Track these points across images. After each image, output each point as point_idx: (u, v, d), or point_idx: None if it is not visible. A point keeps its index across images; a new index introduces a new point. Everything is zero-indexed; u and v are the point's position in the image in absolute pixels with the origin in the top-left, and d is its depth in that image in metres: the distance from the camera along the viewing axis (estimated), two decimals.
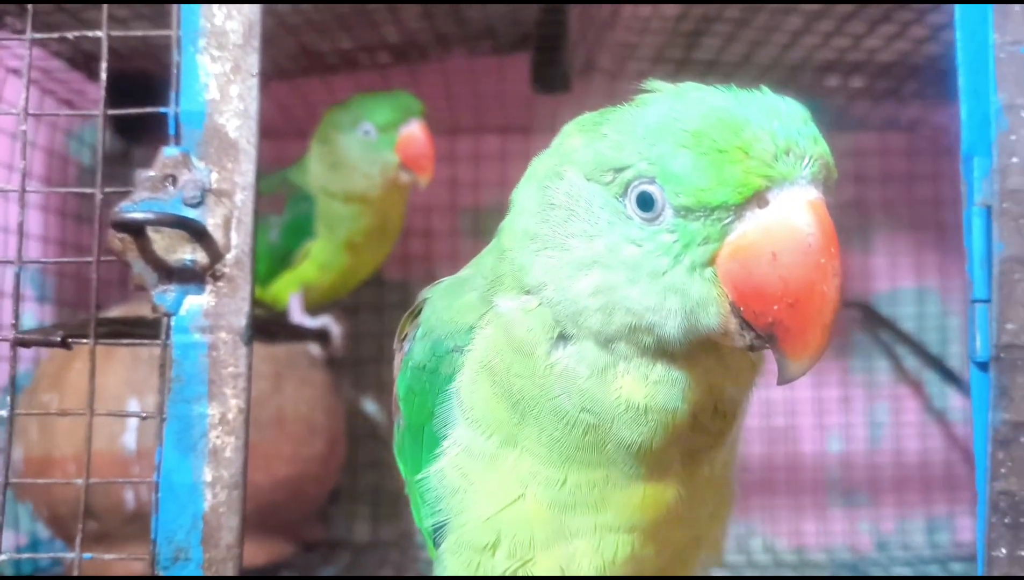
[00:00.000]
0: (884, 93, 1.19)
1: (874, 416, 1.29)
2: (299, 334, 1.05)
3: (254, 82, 0.48)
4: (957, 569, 1.14)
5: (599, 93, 1.21)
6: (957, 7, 0.48)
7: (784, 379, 0.36)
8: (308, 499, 1.06)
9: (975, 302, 0.46)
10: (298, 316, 1.08)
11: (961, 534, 1.26)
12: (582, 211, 0.39)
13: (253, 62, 0.48)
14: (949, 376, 1.21)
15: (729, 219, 0.35)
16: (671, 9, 0.95)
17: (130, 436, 0.90)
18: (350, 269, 1.10)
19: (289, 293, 1.07)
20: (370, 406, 1.10)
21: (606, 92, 1.19)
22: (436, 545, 0.47)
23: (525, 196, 0.44)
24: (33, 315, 1.18)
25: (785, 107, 0.37)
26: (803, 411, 1.26)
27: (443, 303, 0.47)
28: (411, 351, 0.48)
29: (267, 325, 0.99)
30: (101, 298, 1.22)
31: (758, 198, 0.35)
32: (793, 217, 0.34)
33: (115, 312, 0.96)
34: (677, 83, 0.39)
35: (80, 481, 0.50)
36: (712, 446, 0.41)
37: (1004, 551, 0.44)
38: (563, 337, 0.41)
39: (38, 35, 0.51)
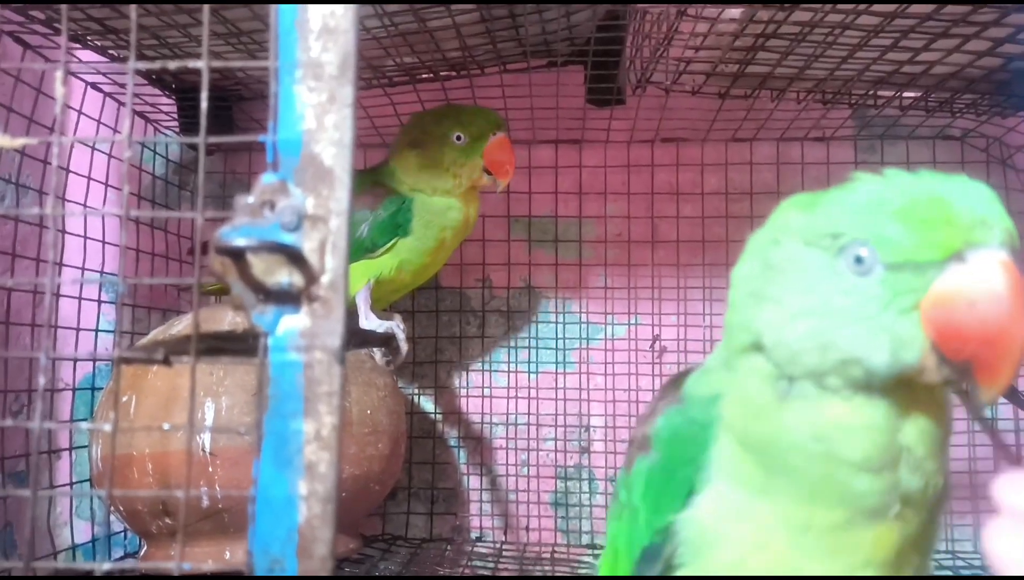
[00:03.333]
0: (938, 104, 1.18)
1: None
2: (366, 340, 1.08)
3: (349, 112, 0.50)
4: None
5: (652, 106, 1.22)
6: None
7: (976, 406, 0.44)
8: (371, 497, 1.09)
9: None
10: (365, 320, 1.13)
11: None
12: (798, 271, 0.48)
13: (348, 93, 0.50)
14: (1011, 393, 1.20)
15: (932, 273, 0.44)
16: (728, 26, 0.96)
17: (206, 436, 0.93)
18: (422, 270, 1.16)
19: (358, 283, 1.12)
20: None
21: (659, 105, 1.21)
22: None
23: (747, 268, 0.52)
24: (105, 318, 1.23)
25: (977, 189, 0.45)
26: None
27: (696, 378, 0.57)
28: (669, 417, 0.56)
29: None
30: (169, 302, 1.26)
31: (957, 257, 0.44)
32: (988, 272, 0.43)
33: (186, 322, 0.99)
34: (883, 172, 0.48)
35: (180, 493, 0.51)
36: (923, 485, 0.49)
37: None
38: (786, 381, 0.49)
39: (140, 64, 0.53)
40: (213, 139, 0.52)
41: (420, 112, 1.18)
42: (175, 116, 1.23)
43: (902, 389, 0.47)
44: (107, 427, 0.52)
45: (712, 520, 0.51)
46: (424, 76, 1.17)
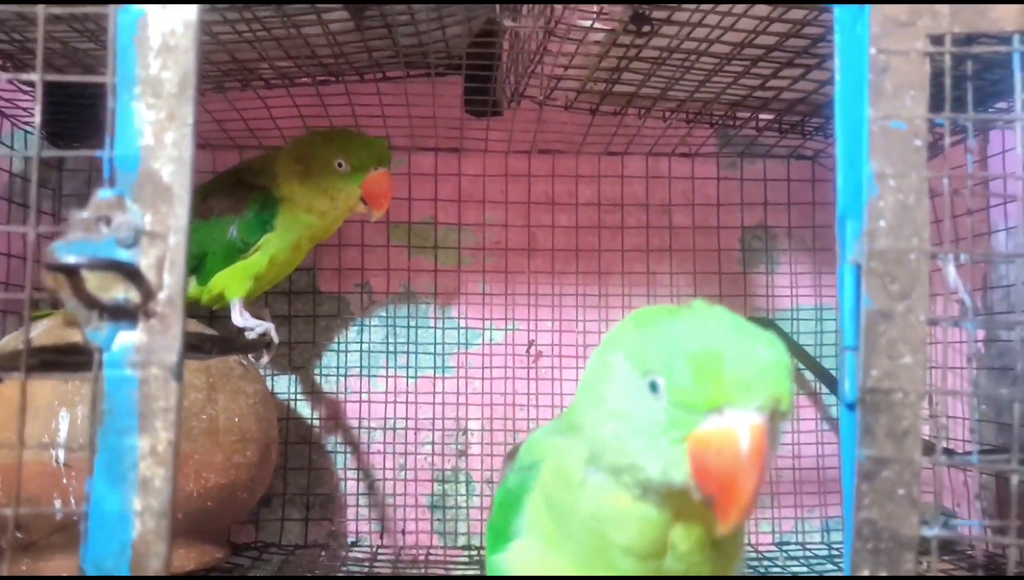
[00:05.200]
0: (790, 126, 1.27)
1: None
2: (232, 347, 1.07)
3: (188, 131, 0.50)
4: None
5: (528, 119, 1.26)
6: (837, 85, 0.54)
7: (719, 531, 0.53)
8: (239, 505, 1.08)
9: (845, 349, 0.51)
10: (239, 318, 1.14)
11: None
12: (619, 380, 0.56)
13: (188, 111, 0.50)
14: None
15: (698, 418, 0.52)
16: (593, 48, 1.00)
17: (59, 447, 0.90)
18: (286, 264, 1.20)
19: (238, 285, 1.14)
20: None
21: (534, 118, 1.25)
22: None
23: (594, 358, 0.60)
24: None
25: (758, 351, 0.52)
26: None
27: (527, 446, 0.67)
28: (507, 476, 0.68)
29: (201, 342, 1.00)
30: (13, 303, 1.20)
31: (718, 410, 0.51)
32: (736, 430, 0.50)
33: (43, 327, 0.96)
34: (710, 305, 0.57)
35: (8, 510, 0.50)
36: (684, 568, 0.58)
37: (867, 572, 0.49)
38: (591, 465, 0.58)
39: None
40: (47, 153, 0.52)
41: (315, 131, 1.20)
42: (33, 111, 1.18)
43: (677, 497, 0.54)
44: None
45: (517, 563, 0.63)
46: (301, 80, 1.17)
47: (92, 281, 0.50)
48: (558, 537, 0.60)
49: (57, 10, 0.50)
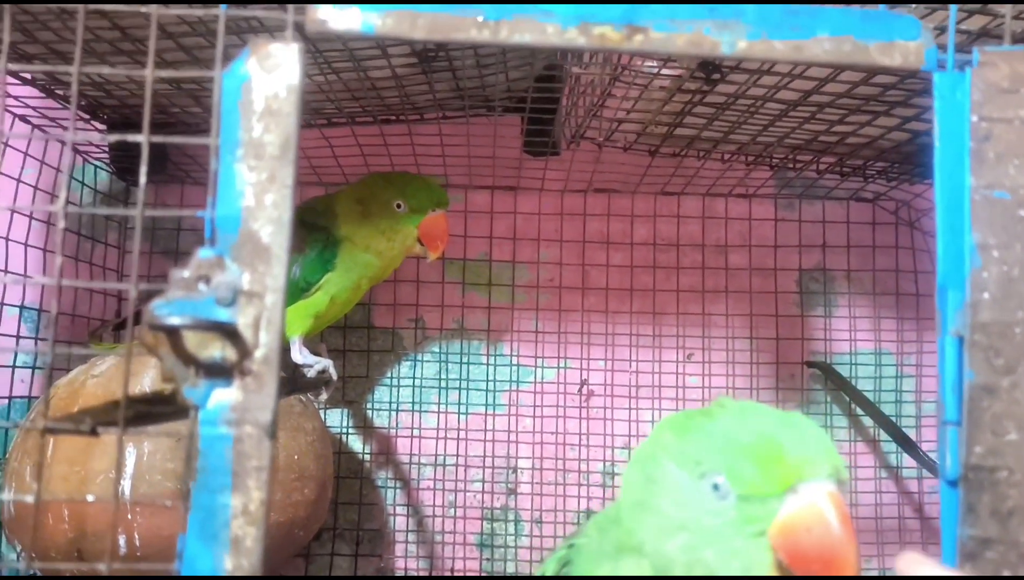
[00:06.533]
0: (852, 170, 1.25)
1: None
2: (296, 388, 1.08)
3: (288, 192, 0.51)
4: None
5: (585, 159, 1.26)
6: (936, 153, 0.53)
7: None
8: (295, 542, 1.08)
9: (946, 424, 0.50)
10: (299, 355, 1.15)
11: None
12: (672, 488, 0.56)
13: (288, 173, 0.51)
14: (901, 437, 1.27)
15: (774, 504, 0.52)
16: (658, 93, 1.00)
17: (126, 484, 0.91)
18: (346, 303, 1.21)
19: (299, 324, 1.16)
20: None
21: (592, 159, 1.25)
22: None
23: (632, 475, 0.60)
24: (29, 355, 1.19)
25: (807, 430, 0.55)
26: None
27: (582, 564, 0.63)
28: None
29: None
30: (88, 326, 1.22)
31: (792, 490, 0.52)
32: (818, 502, 0.52)
33: (109, 364, 0.97)
34: (736, 400, 0.58)
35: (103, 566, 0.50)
36: None
37: None
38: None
39: (82, 128, 0.53)
40: (150, 213, 0.53)
41: (376, 173, 1.23)
42: (105, 148, 1.21)
43: None
44: (29, 498, 0.51)
45: None
46: (363, 119, 1.18)
47: (191, 339, 0.51)
48: None
49: (165, 75, 0.51)
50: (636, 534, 0.57)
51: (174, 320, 0.48)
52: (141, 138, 0.52)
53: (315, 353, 1.18)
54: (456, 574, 1.33)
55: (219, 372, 0.51)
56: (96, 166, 1.28)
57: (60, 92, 1.04)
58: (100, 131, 1.13)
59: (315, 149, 1.24)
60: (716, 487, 0.53)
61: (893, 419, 1.29)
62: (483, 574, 1.34)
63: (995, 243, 0.50)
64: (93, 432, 0.52)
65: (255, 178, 0.51)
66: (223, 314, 0.50)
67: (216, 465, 0.50)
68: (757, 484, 0.52)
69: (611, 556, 0.62)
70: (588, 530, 0.66)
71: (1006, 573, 0.48)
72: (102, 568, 0.90)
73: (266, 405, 0.51)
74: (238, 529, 0.50)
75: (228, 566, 0.50)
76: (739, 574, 0.52)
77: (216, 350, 0.51)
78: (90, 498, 0.89)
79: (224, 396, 0.51)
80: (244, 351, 0.51)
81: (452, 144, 1.23)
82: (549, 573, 0.67)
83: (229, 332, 0.50)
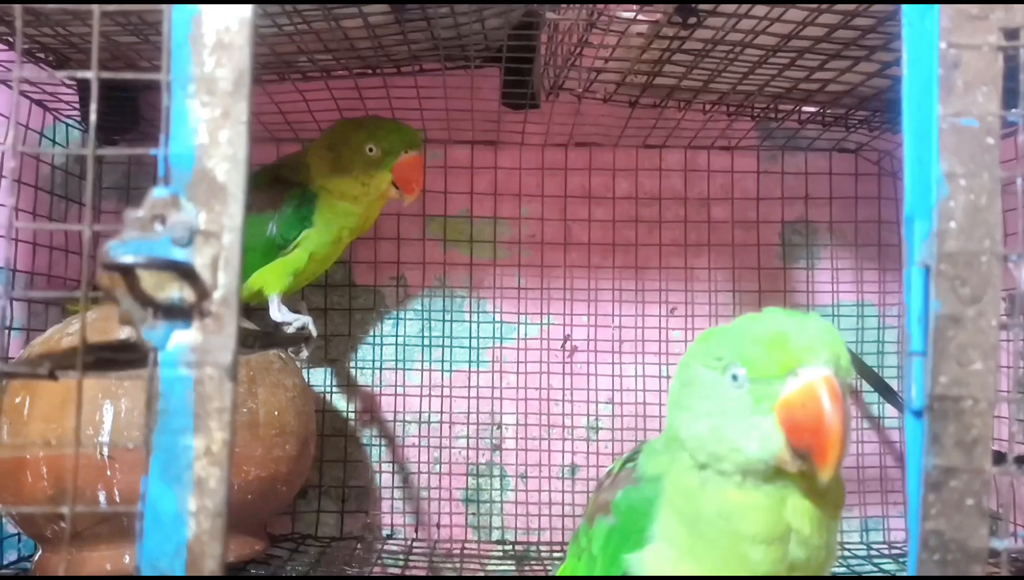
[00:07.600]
0: (834, 119, 1.24)
1: None
2: (273, 342, 1.07)
3: (244, 128, 0.50)
4: (889, 568, 1.21)
5: (566, 112, 1.25)
6: (904, 82, 0.52)
7: (821, 479, 0.60)
8: (278, 498, 1.08)
9: (912, 354, 0.50)
10: (277, 313, 1.15)
11: (894, 534, 1.34)
12: (700, 386, 0.65)
13: (243, 109, 0.50)
14: (883, 386, 1.28)
15: (778, 386, 0.61)
16: (636, 40, 0.99)
17: (104, 440, 0.91)
18: (325, 259, 1.20)
19: (277, 282, 1.15)
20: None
21: (572, 111, 1.23)
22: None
23: (674, 385, 0.70)
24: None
25: (812, 324, 0.62)
26: None
27: (646, 459, 0.73)
28: (627, 492, 0.72)
29: (242, 336, 1.01)
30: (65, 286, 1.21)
31: (793, 373, 0.60)
32: (813, 383, 0.60)
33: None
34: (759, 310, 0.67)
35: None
36: (807, 557, 0.64)
37: None
38: (701, 469, 0.65)
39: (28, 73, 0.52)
40: (102, 151, 0.51)
41: (344, 120, 1.20)
42: (76, 105, 1.19)
43: (782, 479, 0.63)
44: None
45: (652, 563, 0.68)
46: (338, 73, 1.16)
47: (147, 280, 0.50)
48: (692, 543, 0.66)
49: (111, 8, 0.49)
50: (678, 430, 0.67)
51: (128, 259, 0.47)
52: (91, 75, 0.51)
53: (295, 311, 1.18)
54: (442, 531, 1.34)
55: (177, 313, 0.50)
56: (68, 124, 1.26)
57: (24, 45, 1.01)
58: (69, 87, 1.11)
59: (289, 104, 1.22)
60: (735, 378, 0.62)
61: (875, 370, 1.30)
62: (485, 559, 1.34)
63: (963, 172, 0.50)
64: (52, 375, 0.51)
65: (208, 114, 0.50)
66: (180, 254, 0.49)
67: (177, 407, 0.50)
68: (764, 367, 0.61)
69: (662, 452, 0.71)
70: (659, 439, 0.76)
71: (969, 502, 0.48)
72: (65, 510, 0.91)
73: (226, 346, 0.50)
74: (201, 470, 0.50)
75: (192, 507, 0.50)
76: (755, 448, 0.61)
77: (174, 291, 0.50)
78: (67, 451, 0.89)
79: (183, 338, 0.50)
80: (202, 292, 0.50)
81: (429, 96, 1.21)
82: (617, 469, 0.76)
83: (186, 272, 0.49)
